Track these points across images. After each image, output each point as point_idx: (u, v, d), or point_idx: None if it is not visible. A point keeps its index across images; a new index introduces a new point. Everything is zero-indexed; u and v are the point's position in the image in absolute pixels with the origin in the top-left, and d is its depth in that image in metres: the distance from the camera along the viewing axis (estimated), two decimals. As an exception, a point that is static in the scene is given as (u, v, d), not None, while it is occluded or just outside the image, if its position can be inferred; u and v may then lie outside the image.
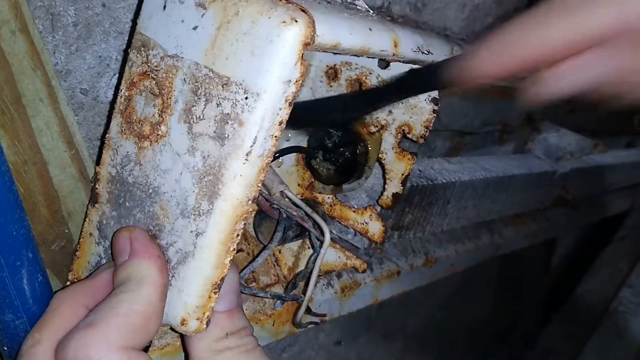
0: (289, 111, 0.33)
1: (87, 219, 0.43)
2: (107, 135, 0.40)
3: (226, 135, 0.33)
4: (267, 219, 0.52)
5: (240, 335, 0.40)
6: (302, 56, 0.32)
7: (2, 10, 0.40)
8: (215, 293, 0.36)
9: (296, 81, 0.32)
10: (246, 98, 0.32)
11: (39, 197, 0.44)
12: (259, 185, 0.34)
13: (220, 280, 0.36)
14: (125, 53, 0.41)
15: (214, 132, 0.34)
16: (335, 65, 0.53)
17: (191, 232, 0.35)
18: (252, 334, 0.41)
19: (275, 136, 0.33)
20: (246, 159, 0.33)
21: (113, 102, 0.40)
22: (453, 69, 0.35)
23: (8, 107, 0.41)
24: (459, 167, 0.79)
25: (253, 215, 0.55)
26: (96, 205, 0.42)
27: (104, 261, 0.42)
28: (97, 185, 0.41)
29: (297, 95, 0.33)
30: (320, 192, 0.56)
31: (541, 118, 1.19)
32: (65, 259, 0.47)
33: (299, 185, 0.57)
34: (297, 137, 0.55)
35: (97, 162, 0.42)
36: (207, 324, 0.37)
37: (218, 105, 0.33)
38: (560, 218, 1.32)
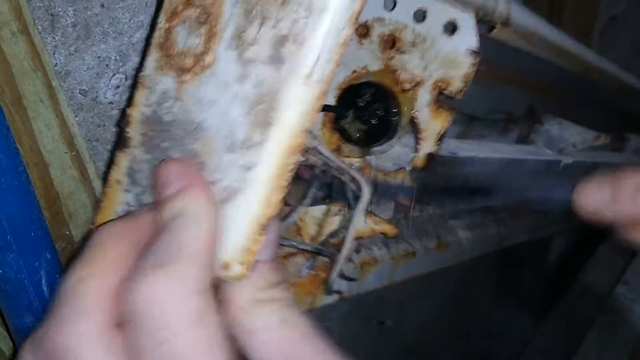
0: (352, 32, 0.31)
1: (114, 166, 0.40)
2: (141, 73, 0.38)
3: (283, 58, 0.31)
4: (294, 180, 0.50)
5: (283, 288, 0.37)
6: (368, -30, 0.30)
7: (3, 12, 0.39)
8: (261, 235, 0.34)
9: (361, -2, 0.30)
10: (307, 16, 0.30)
11: (39, 199, 0.44)
12: (316, 115, 0.32)
13: (268, 221, 0.34)
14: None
15: (269, 56, 0.32)
16: (366, 22, 0.51)
17: (240, 166, 0.33)
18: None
19: (336, 60, 0.31)
20: (305, 83, 0.31)
21: (148, 38, 0.38)
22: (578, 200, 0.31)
23: (9, 109, 0.41)
24: (474, 147, 0.78)
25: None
26: (125, 149, 0.39)
27: (133, 210, 0.39)
28: (127, 129, 0.39)
29: (360, 15, 0.31)
30: (347, 156, 0.54)
31: (543, 110, 1.19)
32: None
33: (325, 149, 0.55)
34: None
35: (128, 104, 0.39)
36: (251, 269, 0.35)
37: (274, 26, 0.31)
38: (559, 213, 1.32)
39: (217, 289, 0.36)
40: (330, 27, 0.30)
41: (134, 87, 0.39)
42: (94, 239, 0.32)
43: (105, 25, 0.46)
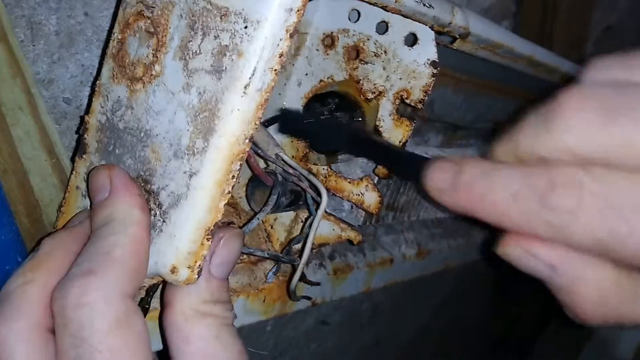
0: (290, 44, 0.32)
1: (74, 172, 0.41)
2: (98, 82, 0.39)
3: (224, 68, 0.32)
4: (260, 187, 0.51)
5: (227, 308, 0.37)
6: (304, -16, 0.31)
7: (-20, 21, 0.39)
8: (207, 240, 0.35)
9: (298, 10, 0.31)
10: (245, 27, 0.31)
11: (19, 206, 0.44)
12: (257, 123, 0.33)
13: (214, 226, 0.35)
14: (119, -6, 0.40)
15: (211, 65, 0.33)
16: (332, 32, 0.52)
17: (184, 172, 0.34)
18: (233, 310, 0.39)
19: (275, 70, 0.32)
20: (244, 92, 0.32)
21: (105, 48, 0.39)
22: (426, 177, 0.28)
23: (-13, 116, 0.40)
24: (452, 156, 0.79)
25: (245, 184, 0.53)
26: (84, 156, 0.40)
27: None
28: (85, 135, 0.40)
29: (298, 28, 0.32)
30: (314, 164, 0.55)
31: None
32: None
33: (293, 157, 0.55)
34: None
35: (86, 111, 0.40)
36: (199, 274, 0.36)
37: (216, 37, 0.32)
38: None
39: (163, 290, 0.37)
40: (268, 38, 0.31)
41: (91, 95, 0.40)
42: (42, 245, 0.34)
43: (89, 34, 0.46)
